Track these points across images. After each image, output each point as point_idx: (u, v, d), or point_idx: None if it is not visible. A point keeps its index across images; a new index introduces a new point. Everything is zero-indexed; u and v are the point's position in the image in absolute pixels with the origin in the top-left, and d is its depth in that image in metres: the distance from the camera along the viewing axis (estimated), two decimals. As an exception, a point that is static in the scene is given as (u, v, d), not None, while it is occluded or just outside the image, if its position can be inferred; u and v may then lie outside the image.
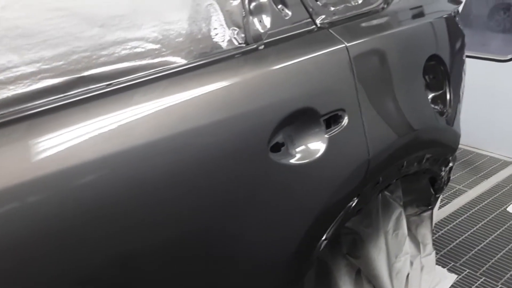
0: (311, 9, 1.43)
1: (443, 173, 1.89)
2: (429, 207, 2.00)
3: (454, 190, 3.72)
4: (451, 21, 1.85)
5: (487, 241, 3.08)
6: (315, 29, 1.44)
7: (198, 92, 1.11)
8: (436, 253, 2.96)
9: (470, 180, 3.85)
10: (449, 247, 3.03)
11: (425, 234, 2.00)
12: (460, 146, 4.38)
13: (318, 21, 1.45)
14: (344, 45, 1.42)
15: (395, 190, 1.78)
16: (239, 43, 1.27)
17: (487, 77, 4.10)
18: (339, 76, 1.38)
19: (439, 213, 3.42)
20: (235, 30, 1.27)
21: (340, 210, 1.39)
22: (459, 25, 1.95)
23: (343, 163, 1.37)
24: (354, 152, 1.39)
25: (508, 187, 3.73)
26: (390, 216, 1.75)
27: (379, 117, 1.47)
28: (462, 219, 3.33)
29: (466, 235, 3.16)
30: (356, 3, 1.59)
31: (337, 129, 1.36)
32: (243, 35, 1.28)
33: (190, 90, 1.10)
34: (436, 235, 3.14)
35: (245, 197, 1.17)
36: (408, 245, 1.82)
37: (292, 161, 1.26)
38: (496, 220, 3.32)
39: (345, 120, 1.37)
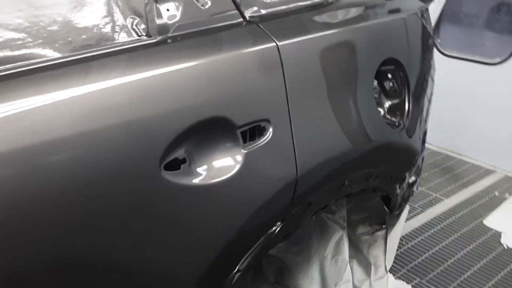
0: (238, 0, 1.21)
1: (398, 191, 1.69)
2: (383, 226, 1.80)
3: (430, 198, 3.53)
4: (415, 21, 1.63)
5: (458, 256, 2.90)
6: (242, 23, 1.22)
7: (68, 94, 0.89)
8: (402, 267, 2.78)
9: (448, 189, 3.66)
10: (417, 261, 2.84)
11: (378, 255, 1.80)
12: (441, 151, 4.26)
13: (247, 14, 1.23)
14: (274, 43, 1.20)
15: (338, 209, 1.58)
16: (139, 35, 1.06)
17: (473, 80, 3.89)
18: (265, 81, 1.17)
19: (411, 222, 3.24)
20: (134, 19, 1.06)
21: (258, 237, 1.19)
22: (427, 25, 1.74)
23: (264, 183, 1.16)
24: (278, 170, 1.18)
25: (487, 198, 3.54)
26: (329, 240, 1.55)
27: (313, 129, 1.26)
28: (434, 231, 3.14)
29: (436, 248, 2.97)
30: (300, -5, 1.37)
31: (258, 142, 1.14)
32: (144, 26, 1.06)
33: (57, 91, 0.88)
34: (405, 247, 2.95)
35: (128, 226, 0.96)
36: (349, 272, 1.62)
37: (196, 181, 1.05)
38: (470, 233, 3.13)
39: (270, 133, 1.16)
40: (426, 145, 4.31)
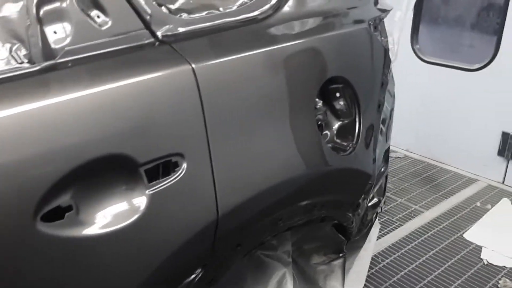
0: (148, 17, 1.07)
1: (353, 218, 1.54)
2: (340, 255, 1.66)
3: (409, 211, 3.39)
4: (364, 35, 1.49)
5: (436, 273, 2.75)
6: (153, 44, 1.08)
7: None
8: (376, 288, 2.64)
9: (428, 200, 3.52)
10: (392, 280, 2.70)
11: (335, 286, 1.66)
12: (423, 159, 4.13)
13: (159, 33, 1.09)
14: (189, 66, 1.06)
15: (281, 244, 1.44)
16: (19, 62, 0.91)
17: (454, 86, 3.76)
18: (177, 109, 1.03)
19: (388, 237, 3.10)
20: (14, 44, 0.92)
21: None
22: (381, 38, 1.60)
23: (175, 227, 1.02)
24: (194, 210, 1.04)
25: (468, 209, 3.40)
26: (268, 280, 1.40)
27: (238, 162, 1.11)
28: (412, 246, 3.00)
29: (414, 265, 2.82)
30: (228, 10, 1.23)
31: (167, 181, 1.00)
32: (25, 52, 0.92)
33: None
34: (380, 265, 2.81)
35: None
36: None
37: (86, 232, 0.90)
38: (450, 248, 2.99)
39: (183, 169, 1.02)
40: (408, 153, 4.23)
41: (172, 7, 1.13)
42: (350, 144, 1.44)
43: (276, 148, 1.19)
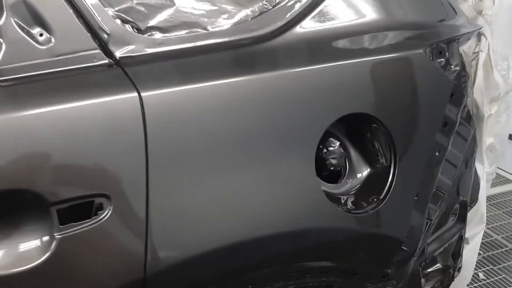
0: (105, 36, 0.95)
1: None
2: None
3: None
4: (412, 62, 1.17)
5: None
6: (107, 66, 0.95)
7: None
8: None
9: None
10: None
11: None
12: None
13: (118, 54, 0.96)
14: (135, 94, 0.91)
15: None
16: None
17: None
18: (110, 142, 0.89)
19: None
20: None
21: None
22: (447, 66, 1.25)
23: (86, 280, 0.88)
24: (113, 264, 0.89)
25: None
26: None
27: (185, 213, 0.94)
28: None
29: None
30: (218, 29, 1.05)
31: (84, 225, 0.87)
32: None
33: None
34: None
35: None
36: None
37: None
38: None
39: (108, 213, 0.88)
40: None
41: (143, 25, 1.00)
42: (372, 200, 1.15)
43: (246, 199, 0.98)
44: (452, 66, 1.28)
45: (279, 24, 1.08)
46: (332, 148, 1.14)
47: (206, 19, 1.05)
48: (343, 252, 1.14)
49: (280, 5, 1.10)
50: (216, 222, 0.96)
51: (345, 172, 1.19)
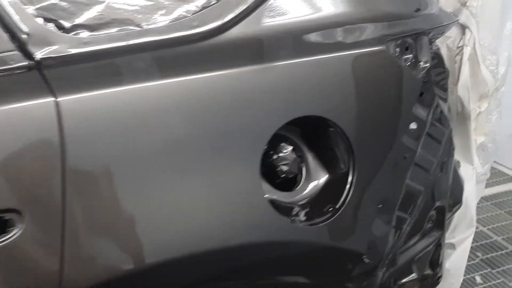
0: (24, 36, 0.87)
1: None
2: None
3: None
4: (373, 60, 1.08)
5: None
6: (26, 69, 0.88)
7: None
8: None
9: None
10: None
11: None
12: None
13: (39, 56, 0.88)
14: (51, 99, 0.84)
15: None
16: None
17: None
18: (20, 151, 0.82)
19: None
20: None
21: None
22: (415, 63, 1.16)
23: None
24: (28, 285, 0.82)
25: None
26: None
27: (106, 230, 0.86)
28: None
29: None
30: (153, 26, 0.96)
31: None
32: None
33: None
34: None
35: None
36: None
37: None
38: None
39: (19, 231, 0.81)
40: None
41: (68, 23, 0.92)
42: (328, 210, 1.06)
43: (180, 211, 0.90)
44: (421, 63, 1.18)
45: (224, 20, 1.00)
46: (283, 154, 1.05)
47: (140, 16, 0.97)
48: (296, 267, 1.06)
49: (225, -1, 1.01)
50: (145, 238, 0.88)
51: (301, 179, 1.11)
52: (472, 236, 1.98)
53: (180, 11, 0.99)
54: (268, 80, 0.99)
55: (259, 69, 0.99)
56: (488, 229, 3.08)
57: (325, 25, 1.05)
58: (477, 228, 3.06)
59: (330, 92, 1.03)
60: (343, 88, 1.05)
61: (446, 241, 1.93)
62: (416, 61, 1.17)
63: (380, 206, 1.16)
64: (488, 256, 2.81)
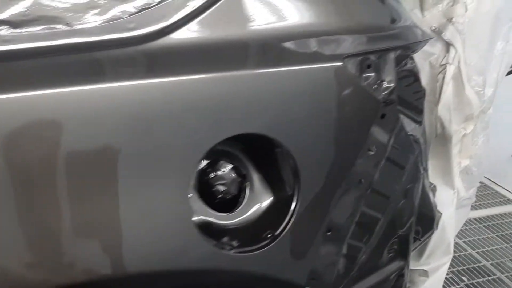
0: None
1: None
2: None
3: None
4: (330, 77, 0.99)
5: None
6: None
7: None
8: None
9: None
10: None
11: None
12: None
13: None
14: None
15: None
16: None
17: None
18: None
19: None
20: None
21: None
22: (376, 82, 1.07)
23: None
24: None
25: None
26: None
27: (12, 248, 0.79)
28: None
29: None
30: (82, 26, 0.89)
31: None
32: None
33: None
34: None
35: None
36: None
37: None
38: None
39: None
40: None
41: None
42: (266, 236, 0.98)
43: (96, 232, 0.83)
44: (384, 83, 1.09)
45: (163, 23, 0.92)
46: (221, 173, 0.97)
47: (71, 14, 0.90)
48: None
49: (168, 1, 0.93)
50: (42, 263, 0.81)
51: (244, 200, 1.03)
52: (449, 263, 1.88)
53: (115, 11, 0.92)
54: (207, 92, 0.91)
55: (198, 79, 0.91)
56: (477, 252, 2.98)
57: (277, 36, 0.97)
58: (465, 251, 2.97)
59: (276, 109, 0.95)
60: (291, 105, 0.97)
61: (420, 267, 1.84)
62: (378, 80, 1.08)
63: (329, 233, 1.07)
64: (474, 281, 2.71)
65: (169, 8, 0.93)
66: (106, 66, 0.90)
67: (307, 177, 1.00)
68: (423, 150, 1.37)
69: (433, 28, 1.56)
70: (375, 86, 1.07)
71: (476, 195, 3.59)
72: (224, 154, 1.02)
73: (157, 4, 0.93)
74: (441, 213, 1.78)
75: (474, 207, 3.48)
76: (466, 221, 3.23)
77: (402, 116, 1.26)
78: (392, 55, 1.10)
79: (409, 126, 1.29)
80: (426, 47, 1.59)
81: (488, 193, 3.66)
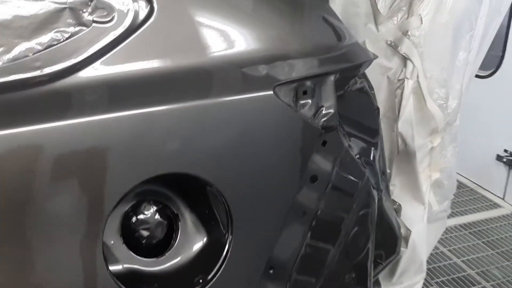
0: None
1: None
2: None
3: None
4: (260, 107, 0.93)
5: None
6: None
7: None
8: None
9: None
10: None
11: None
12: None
13: None
14: None
15: None
16: None
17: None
18: None
19: None
20: None
21: None
22: (312, 111, 1.01)
23: None
24: None
25: None
26: None
27: None
28: None
29: None
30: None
31: None
32: None
33: None
34: None
35: None
36: None
37: None
38: None
39: None
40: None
41: None
42: (197, 282, 0.91)
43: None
44: (323, 109, 1.03)
45: (71, 61, 0.86)
46: (144, 216, 0.91)
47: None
48: None
49: (76, 36, 0.87)
50: None
51: (175, 243, 0.96)
52: (422, 282, 1.81)
53: (19, 49, 0.85)
54: (122, 132, 0.85)
55: (112, 118, 0.85)
56: (462, 261, 2.91)
57: (199, 67, 0.91)
58: (450, 259, 2.91)
59: (200, 145, 0.89)
60: (216, 140, 0.91)
61: (392, 287, 1.77)
62: (316, 106, 1.02)
63: (271, 271, 1.01)
64: (458, 291, 2.64)
65: (78, 44, 0.87)
66: (10, 109, 0.83)
67: (240, 214, 0.94)
68: (379, 172, 1.30)
69: (388, 42, 1.50)
70: (313, 113, 1.01)
71: (461, 201, 3.54)
72: (154, 193, 0.96)
73: (65, 40, 0.87)
74: (410, 231, 1.72)
75: (459, 213, 3.42)
76: (451, 228, 3.17)
77: (354, 139, 1.20)
78: (330, 79, 1.04)
79: (362, 149, 1.23)
80: (383, 61, 1.54)
81: (474, 198, 3.60)
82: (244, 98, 0.93)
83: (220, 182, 0.91)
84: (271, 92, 0.95)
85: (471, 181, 3.70)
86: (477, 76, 2.76)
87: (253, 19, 0.96)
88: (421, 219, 1.75)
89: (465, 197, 3.55)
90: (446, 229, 3.04)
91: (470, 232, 3.23)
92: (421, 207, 1.76)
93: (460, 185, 3.63)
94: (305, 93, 1.00)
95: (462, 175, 3.65)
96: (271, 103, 0.95)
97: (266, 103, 0.95)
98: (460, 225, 3.27)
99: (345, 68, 1.08)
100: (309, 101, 1.01)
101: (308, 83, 1.01)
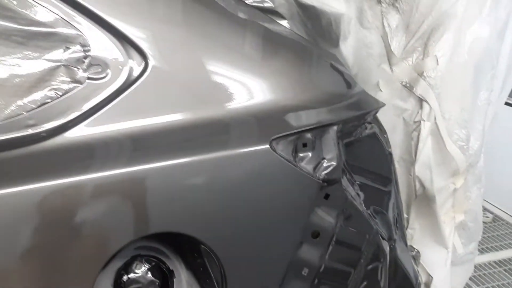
0: None
1: None
2: None
3: None
4: (256, 162, 0.91)
5: None
6: None
7: None
8: None
9: None
10: None
11: None
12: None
13: None
14: None
15: None
16: None
17: None
18: None
19: None
20: None
21: None
22: (314, 164, 0.97)
23: None
24: None
25: None
26: None
27: None
28: None
29: None
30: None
31: None
32: None
33: None
34: None
35: None
36: None
37: None
38: None
39: None
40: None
41: None
42: None
43: None
44: (325, 161, 0.99)
45: (65, 118, 0.86)
46: (135, 275, 0.89)
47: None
48: None
49: (70, 93, 0.87)
50: None
51: (171, 300, 0.94)
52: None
53: (12, 108, 0.86)
54: (114, 189, 0.84)
55: (105, 176, 0.84)
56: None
57: (192, 122, 0.89)
58: (483, 300, 2.76)
59: (194, 203, 0.87)
60: (211, 197, 0.88)
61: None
62: (317, 159, 0.98)
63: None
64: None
65: (70, 102, 0.87)
66: (3, 168, 0.84)
67: (234, 273, 0.91)
68: (391, 220, 1.25)
69: (403, 83, 1.46)
70: (313, 166, 0.98)
71: (496, 235, 3.37)
72: (150, 249, 0.94)
73: (59, 97, 0.87)
74: (432, 277, 1.64)
75: (493, 249, 3.26)
76: (485, 265, 3.02)
77: (363, 188, 1.16)
78: (332, 130, 1.01)
79: (371, 198, 1.18)
80: (399, 103, 1.49)
81: (510, 232, 3.44)
82: (239, 153, 0.90)
83: (212, 242, 0.88)
84: (267, 146, 0.92)
85: (507, 213, 3.54)
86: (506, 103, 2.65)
87: (246, 73, 0.95)
88: (444, 263, 1.66)
89: (501, 231, 3.39)
90: (479, 266, 2.91)
91: (505, 270, 3.07)
92: (444, 251, 1.68)
93: (496, 218, 3.48)
94: (305, 145, 0.97)
95: (497, 207, 3.50)
96: (267, 157, 0.92)
97: (262, 157, 0.92)
98: (495, 262, 3.12)
99: (347, 118, 1.04)
100: (309, 153, 0.97)
101: (308, 135, 0.98)
